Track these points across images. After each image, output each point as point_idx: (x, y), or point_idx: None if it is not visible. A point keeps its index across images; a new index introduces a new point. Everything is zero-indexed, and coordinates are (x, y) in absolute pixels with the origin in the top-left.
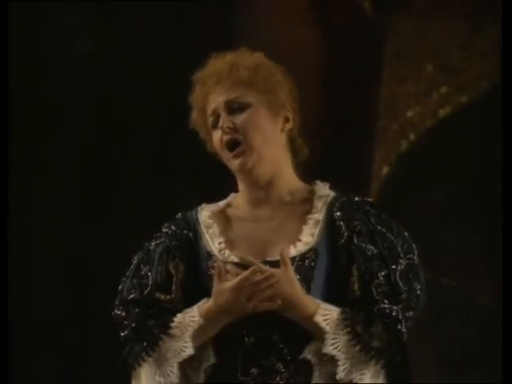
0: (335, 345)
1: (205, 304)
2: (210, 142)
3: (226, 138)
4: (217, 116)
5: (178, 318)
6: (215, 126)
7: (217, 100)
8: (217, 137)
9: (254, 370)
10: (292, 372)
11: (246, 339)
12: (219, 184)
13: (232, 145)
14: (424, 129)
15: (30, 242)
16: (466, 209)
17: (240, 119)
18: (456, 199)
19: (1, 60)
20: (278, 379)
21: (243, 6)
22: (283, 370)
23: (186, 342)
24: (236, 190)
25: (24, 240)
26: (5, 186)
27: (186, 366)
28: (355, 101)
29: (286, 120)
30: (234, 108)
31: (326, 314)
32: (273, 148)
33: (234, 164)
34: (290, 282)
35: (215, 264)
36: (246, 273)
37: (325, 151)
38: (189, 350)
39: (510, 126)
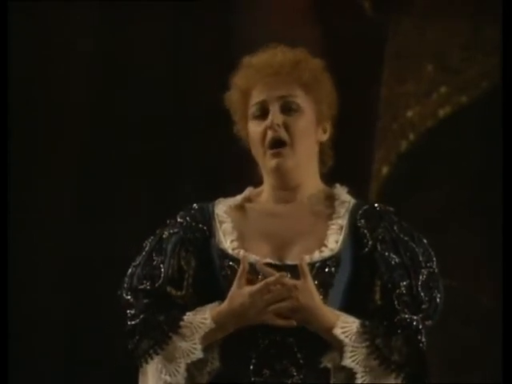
0: (353, 357)
1: (217, 307)
2: (240, 125)
3: (272, 134)
4: (264, 108)
5: (189, 317)
6: (258, 116)
7: (270, 92)
8: (258, 128)
9: (266, 372)
10: (304, 376)
11: (261, 341)
12: (221, 183)
13: (276, 143)
14: (424, 129)
15: (30, 242)
16: (466, 209)
17: (291, 121)
18: (456, 199)
19: (1, 60)
20: (289, 382)
21: (243, 6)
22: (295, 374)
23: (195, 344)
24: (241, 190)
25: (24, 240)
26: (5, 186)
27: (191, 365)
28: (355, 101)
29: (324, 131)
30: (286, 106)
31: (345, 327)
32: (309, 154)
33: (270, 163)
34: (310, 294)
35: (241, 263)
36: (270, 279)
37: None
38: (198, 353)
39: (510, 126)
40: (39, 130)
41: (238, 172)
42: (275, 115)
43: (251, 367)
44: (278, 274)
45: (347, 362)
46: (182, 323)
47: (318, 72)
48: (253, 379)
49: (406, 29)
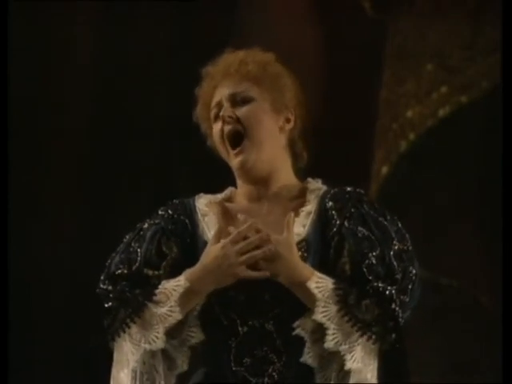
0: (325, 313)
1: (192, 268)
2: (210, 137)
3: (227, 128)
4: (220, 107)
5: (163, 284)
6: (217, 117)
7: (222, 92)
8: (217, 128)
9: (246, 360)
10: (285, 363)
11: (240, 328)
12: (221, 183)
13: (234, 137)
14: (424, 129)
15: (30, 242)
16: (466, 209)
17: (241, 111)
18: (456, 199)
19: (1, 60)
20: (270, 370)
21: (244, 6)
22: (276, 361)
23: (171, 307)
24: (235, 185)
25: (24, 240)
26: (5, 186)
27: (170, 347)
28: (355, 101)
29: (287, 120)
30: (237, 100)
31: (320, 282)
32: (271, 144)
33: (234, 162)
34: (289, 247)
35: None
36: (240, 229)
37: (324, 151)
38: (176, 315)
39: (510, 126)
40: (39, 131)
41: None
42: (225, 110)
43: (232, 356)
44: (250, 222)
45: (318, 316)
46: (156, 291)
47: (267, 64)
48: (234, 369)
49: (406, 29)
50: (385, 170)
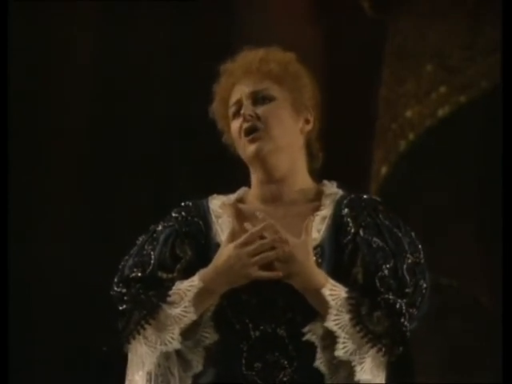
0: (337, 321)
1: (206, 268)
2: (227, 133)
3: (246, 125)
4: (239, 105)
5: (177, 285)
6: (236, 115)
7: (242, 90)
8: (236, 125)
9: (257, 365)
10: (296, 368)
11: (252, 333)
12: (221, 183)
13: (251, 130)
14: (423, 129)
15: (29, 243)
16: (466, 209)
17: (262, 109)
18: (456, 199)
19: (1, 60)
20: (281, 375)
21: (243, 6)
22: (287, 366)
23: (186, 307)
24: (235, 185)
25: (24, 241)
26: (5, 186)
27: (184, 348)
28: (355, 101)
29: (307, 122)
30: (258, 99)
31: (334, 289)
32: (291, 144)
33: (249, 150)
34: (306, 251)
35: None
36: (254, 229)
37: (324, 151)
38: (190, 315)
39: (510, 125)
40: (39, 131)
41: (239, 173)
42: (246, 108)
43: (243, 360)
44: (265, 223)
45: (330, 324)
46: (170, 292)
47: (288, 64)
48: (245, 373)
49: (405, 29)
50: (384, 169)
